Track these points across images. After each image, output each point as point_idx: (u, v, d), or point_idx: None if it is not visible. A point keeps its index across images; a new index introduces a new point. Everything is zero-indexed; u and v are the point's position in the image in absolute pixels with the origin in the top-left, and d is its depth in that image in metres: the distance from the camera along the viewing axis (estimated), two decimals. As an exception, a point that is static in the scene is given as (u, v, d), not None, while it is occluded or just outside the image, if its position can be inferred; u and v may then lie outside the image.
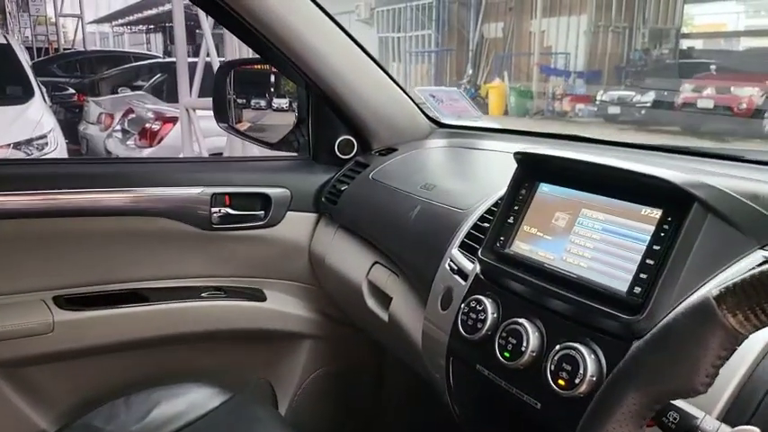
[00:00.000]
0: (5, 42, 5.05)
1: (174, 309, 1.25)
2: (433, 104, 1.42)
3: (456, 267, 0.86)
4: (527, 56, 15.27)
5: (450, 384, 0.83)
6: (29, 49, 10.62)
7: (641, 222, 0.64)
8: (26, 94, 4.49)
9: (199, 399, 1.09)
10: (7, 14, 18.13)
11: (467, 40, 16.22)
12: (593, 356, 0.62)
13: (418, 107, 1.35)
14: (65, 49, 14.54)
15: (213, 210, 1.24)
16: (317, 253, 1.29)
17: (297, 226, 1.30)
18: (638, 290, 0.61)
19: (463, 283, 0.83)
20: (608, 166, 0.69)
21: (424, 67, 17.25)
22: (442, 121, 1.40)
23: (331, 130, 1.31)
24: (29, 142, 3.95)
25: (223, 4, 1.09)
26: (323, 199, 1.29)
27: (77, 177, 1.20)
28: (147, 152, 5.12)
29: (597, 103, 12.41)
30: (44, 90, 4.95)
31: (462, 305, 0.78)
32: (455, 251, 0.88)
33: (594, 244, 0.68)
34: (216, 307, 1.28)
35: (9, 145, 3.80)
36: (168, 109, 5.40)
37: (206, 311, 1.27)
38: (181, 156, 4.78)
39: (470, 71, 15.61)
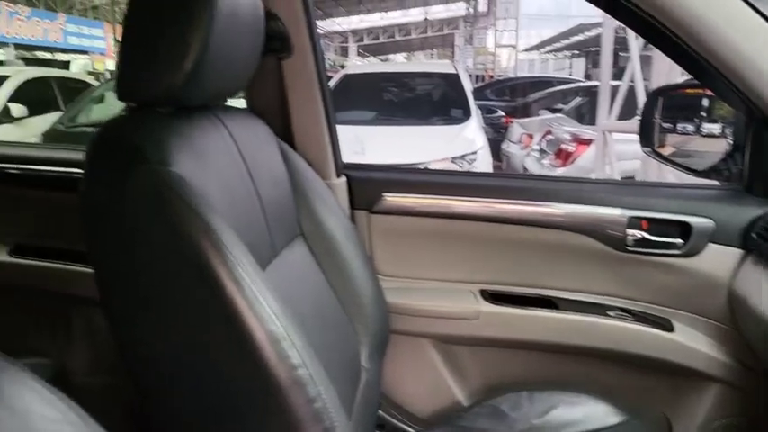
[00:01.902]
0: (455, 72, 5.99)
1: (580, 321, 1.32)
2: None
3: None
4: None
5: None
6: (470, 76, 12.23)
7: None
8: (465, 116, 5.24)
9: (596, 412, 1.13)
10: (455, 48, 21.46)
11: None
12: None
13: None
14: (498, 76, 16.24)
15: (629, 232, 1.26)
16: (738, 292, 1.18)
17: (718, 260, 1.22)
18: None
19: None
20: None
21: None
22: None
23: None
24: (462, 157, 4.60)
25: (657, 23, 1.04)
26: (753, 234, 1.18)
27: (509, 190, 1.37)
28: (559, 171, 5.38)
29: None
30: (479, 113, 5.67)
31: None
32: None
33: None
34: (621, 328, 1.29)
35: (448, 159, 4.50)
36: (584, 131, 5.55)
37: (610, 330, 1.30)
38: (592, 176, 4.87)
39: None
